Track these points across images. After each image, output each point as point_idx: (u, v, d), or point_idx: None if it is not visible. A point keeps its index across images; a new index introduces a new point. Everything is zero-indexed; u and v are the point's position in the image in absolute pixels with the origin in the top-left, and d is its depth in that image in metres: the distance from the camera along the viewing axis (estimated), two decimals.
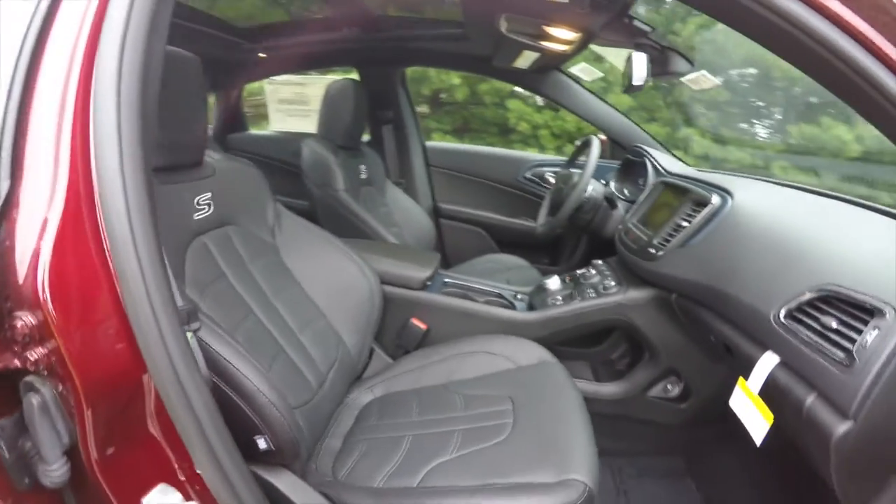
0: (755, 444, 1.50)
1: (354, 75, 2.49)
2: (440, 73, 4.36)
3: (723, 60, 3.88)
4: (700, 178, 1.54)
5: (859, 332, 0.78)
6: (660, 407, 1.57)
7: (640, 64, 1.50)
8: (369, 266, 1.42)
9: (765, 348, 0.96)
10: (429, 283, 1.65)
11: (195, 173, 1.11)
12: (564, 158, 2.50)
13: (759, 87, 3.80)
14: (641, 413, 1.59)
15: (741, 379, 1.01)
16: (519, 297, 1.74)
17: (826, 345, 0.82)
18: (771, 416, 0.92)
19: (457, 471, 1.01)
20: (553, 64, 2.16)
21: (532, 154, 2.86)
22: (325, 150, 2.02)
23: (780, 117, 3.71)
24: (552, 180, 2.52)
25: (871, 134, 2.83)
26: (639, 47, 1.52)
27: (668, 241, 1.41)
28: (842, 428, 0.76)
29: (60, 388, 0.54)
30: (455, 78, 4.40)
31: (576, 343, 1.71)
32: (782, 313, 0.92)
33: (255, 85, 3.04)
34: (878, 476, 0.79)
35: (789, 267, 0.98)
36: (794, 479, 1.35)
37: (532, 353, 1.37)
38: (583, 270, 1.74)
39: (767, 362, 0.94)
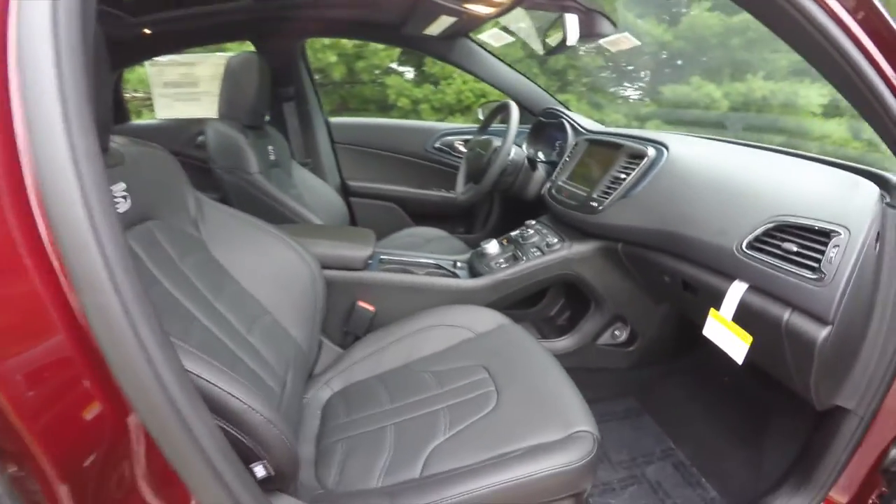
0: (696, 374, 1.60)
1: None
2: (316, 53, 4.13)
3: None
4: (625, 134, 1.56)
5: (819, 251, 0.86)
6: (610, 353, 1.60)
7: (573, 26, 1.46)
8: (307, 250, 1.26)
9: (732, 278, 1.01)
10: (369, 262, 1.52)
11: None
12: (473, 126, 2.44)
13: (630, 52, 4.04)
14: (593, 362, 1.61)
15: (713, 309, 1.05)
16: (458, 265, 1.66)
17: (793, 267, 0.89)
18: (749, 337, 0.97)
19: (459, 450, 0.92)
20: (464, 30, 2.06)
21: (439, 123, 2.76)
22: (233, 131, 1.78)
23: (651, 79, 3.98)
24: (462, 149, 2.46)
25: (736, 91, 3.13)
26: (565, 9, 1.47)
27: (608, 193, 1.41)
28: (823, 332, 0.84)
29: (13, 469, 0.36)
30: (331, 56, 4.19)
31: (516, 306, 1.68)
32: (744, 245, 0.98)
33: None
34: (845, 368, 0.92)
35: (740, 205, 1.04)
36: (736, 399, 1.45)
37: (488, 319, 1.31)
38: (518, 232, 1.70)
39: (737, 290, 0.99)
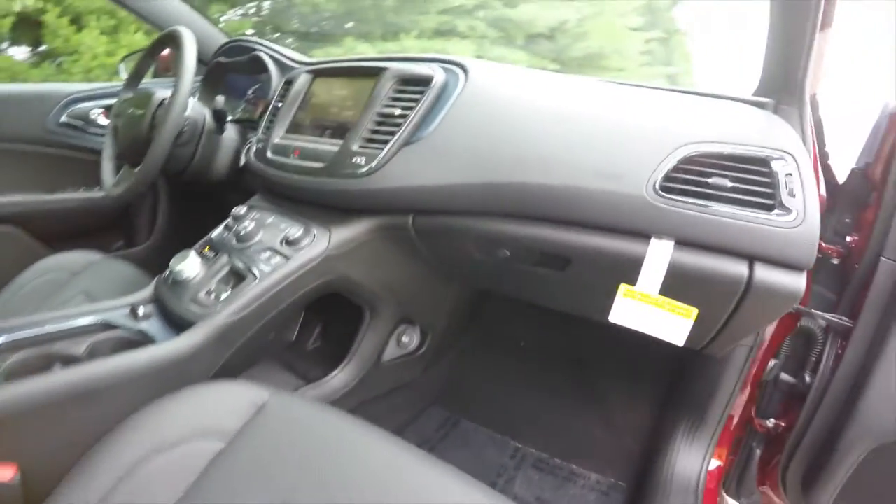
0: (488, 347, 1.30)
1: None
2: None
3: None
4: (376, 58, 1.02)
5: (762, 184, 0.64)
6: (400, 367, 1.09)
7: None
8: None
9: (645, 237, 0.67)
10: None
11: None
12: (117, 85, 1.48)
13: (280, 15, 3.51)
14: (383, 386, 1.08)
15: (623, 286, 0.71)
16: (142, 313, 0.80)
17: (737, 208, 0.64)
18: (691, 311, 0.69)
19: None
20: None
21: (62, 85, 1.59)
22: None
23: (299, 44, 3.51)
24: (105, 120, 1.51)
25: (389, 50, 2.98)
26: None
27: (379, 141, 0.85)
28: (802, 282, 0.64)
29: None
30: None
31: None
32: (657, 186, 0.66)
33: None
34: None
35: (627, 136, 0.72)
36: (546, 359, 1.27)
37: (237, 402, 0.63)
38: (223, 231, 0.96)
39: (661, 252, 0.66)
